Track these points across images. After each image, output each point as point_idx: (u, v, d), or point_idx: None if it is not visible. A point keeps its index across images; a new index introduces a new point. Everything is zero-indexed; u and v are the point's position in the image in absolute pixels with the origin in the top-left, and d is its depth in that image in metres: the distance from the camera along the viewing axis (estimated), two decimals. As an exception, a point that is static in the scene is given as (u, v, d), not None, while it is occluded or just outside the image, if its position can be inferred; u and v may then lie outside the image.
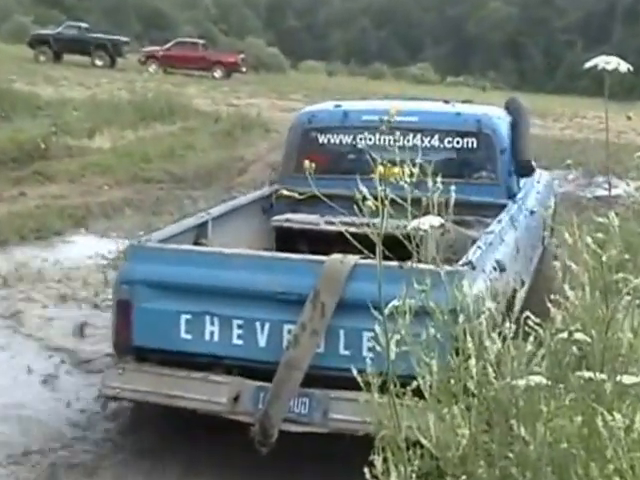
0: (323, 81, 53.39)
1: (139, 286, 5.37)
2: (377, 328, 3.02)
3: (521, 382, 2.52)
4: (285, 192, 4.15)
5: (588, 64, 2.48)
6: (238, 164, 18.40)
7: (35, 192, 14.04)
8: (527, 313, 2.84)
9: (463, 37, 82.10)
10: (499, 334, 2.78)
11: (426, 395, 2.75)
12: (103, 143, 19.04)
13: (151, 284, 5.37)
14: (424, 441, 2.54)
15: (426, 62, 72.54)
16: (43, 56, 44.08)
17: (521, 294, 3.44)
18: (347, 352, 4.94)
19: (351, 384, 4.64)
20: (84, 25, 48.70)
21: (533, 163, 7.68)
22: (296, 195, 3.62)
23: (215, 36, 66.32)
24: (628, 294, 2.62)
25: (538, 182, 8.25)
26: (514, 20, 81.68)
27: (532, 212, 7.32)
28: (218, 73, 46.46)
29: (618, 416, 2.18)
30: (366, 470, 2.67)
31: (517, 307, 3.11)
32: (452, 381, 2.73)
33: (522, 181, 7.63)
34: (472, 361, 2.63)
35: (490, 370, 2.66)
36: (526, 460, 2.40)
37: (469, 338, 2.72)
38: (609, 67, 2.38)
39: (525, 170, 7.54)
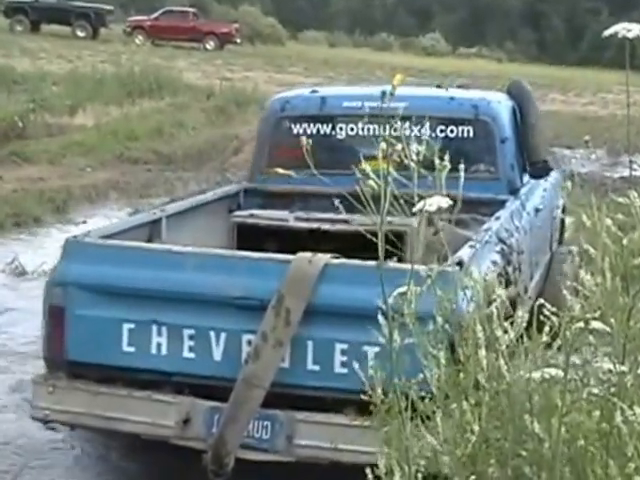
0: (325, 53, 53.45)
1: (74, 289, 4.98)
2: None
3: (536, 375, 2.53)
4: (280, 170, 3.95)
5: (607, 32, 2.48)
6: (232, 143, 18.39)
7: (11, 175, 14.10)
8: (541, 300, 2.85)
9: (477, 4, 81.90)
10: (511, 324, 2.78)
11: (434, 390, 2.74)
12: (86, 121, 19.17)
13: (88, 287, 4.98)
14: (430, 439, 2.53)
15: (436, 32, 72.40)
16: (19, 26, 44.07)
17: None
18: (316, 367, 4.68)
19: (320, 405, 4.63)
20: (64, -8, 48.73)
21: (548, 162, 7.36)
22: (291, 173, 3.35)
23: (207, 4, 65.98)
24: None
25: (545, 180, 7.81)
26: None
27: (537, 210, 7.04)
28: (210, 45, 46.44)
29: (639, 410, 2.21)
30: (368, 470, 2.66)
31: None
32: (461, 374, 2.74)
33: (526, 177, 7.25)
34: (482, 352, 2.63)
35: (502, 362, 2.66)
36: (540, 459, 2.41)
37: (479, 327, 2.73)
38: (630, 35, 2.38)
39: (541, 171, 7.27)
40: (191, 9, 51.09)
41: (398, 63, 40.38)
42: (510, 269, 5.35)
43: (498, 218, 5.76)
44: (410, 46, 67.93)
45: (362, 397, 4.44)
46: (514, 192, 6.74)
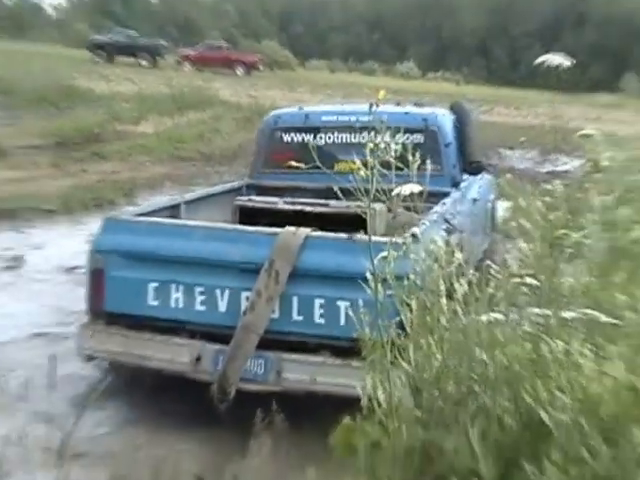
0: (325, 77, 53.11)
1: (111, 255, 4.93)
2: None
3: (483, 318, 2.53)
4: (293, 163, 3.83)
5: (538, 60, 2.47)
6: (256, 145, 18.32)
7: (93, 169, 14.14)
8: (488, 262, 2.85)
9: (441, 40, 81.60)
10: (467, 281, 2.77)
11: (408, 329, 2.73)
12: (147, 129, 19.11)
13: (122, 254, 4.92)
14: (405, 365, 2.53)
15: (410, 61, 72.05)
16: (99, 58, 43.76)
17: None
18: (300, 317, 4.58)
19: (303, 347, 4.57)
20: (132, 32, 48.34)
21: (481, 163, 7.23)
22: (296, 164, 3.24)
23: (237, 39, 65.72)
24: (569, 247, 2.63)
25: (480, 178, 7.69)
26: (483, 26, 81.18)
27: (475, 200, 6.96)
28: (239, 70, 46.10)
29: (560, 343, 2.21)
30: (359, 389, 2.62)
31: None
32: (428, 318, 2.73)
33: (466, 176, 7.10)
34: (444, 300, 2.63)
35: (459, 308, 2.66)
36: (486, 380, 2.41)
37: (441, 282, 2.72)
38: (554, 63, 2.39)
39: (475, 169, 7.15)
40: (224, 43, 50.72)
41: (380, 84, 39.97)
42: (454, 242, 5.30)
43: (444, 204, 5.68)
44: (390, 71, 67.40)
45: (334, 342, 4.47)
46: (456, 185, 6.66)
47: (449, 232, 5.07)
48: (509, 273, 2.72)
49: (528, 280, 2.44)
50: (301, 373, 4.50)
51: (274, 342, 4.58)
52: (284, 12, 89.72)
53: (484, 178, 7.89)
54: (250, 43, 64.83)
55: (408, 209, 5.11)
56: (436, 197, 5.87)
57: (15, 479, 3.89)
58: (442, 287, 2.73)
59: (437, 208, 5.47)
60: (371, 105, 2.65)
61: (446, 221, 5.24)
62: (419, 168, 6.42)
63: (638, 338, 2.17)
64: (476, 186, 7.38)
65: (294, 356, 4.57)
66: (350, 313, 2.79)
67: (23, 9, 78.31)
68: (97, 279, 4.96)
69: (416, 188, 2.69)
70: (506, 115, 29.69)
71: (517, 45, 75.93)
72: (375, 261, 2.62)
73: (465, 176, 7.04)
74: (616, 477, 2.03)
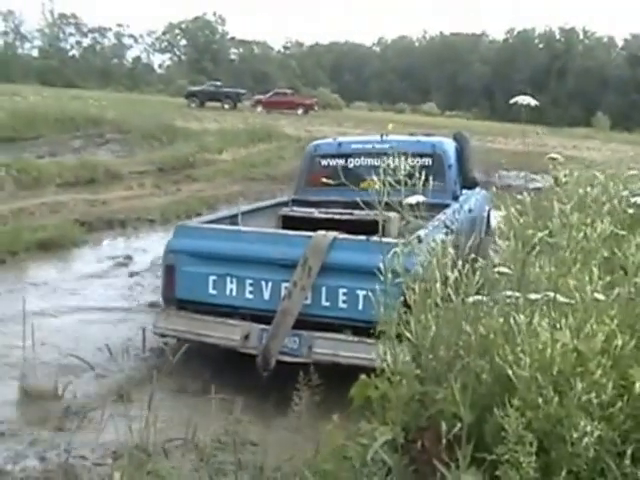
0: (366, 114, 52.85)
1: (181, 254, 4.93)
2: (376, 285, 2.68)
3: (470, 299, 2.54)
4: (324, 180, 3.69)
5: (512, 100, 2.47)
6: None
7: (186, 188, 14.27)
8: (473, 256, 2.84)
9: (456, 86, 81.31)
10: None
11: (412, 307, 2.72)
12: (227, 157, 19.24)
13: (189, 253, 4.90)
14: (408, 335, 2.53)
15: (432, 102, 71.70)
16: (193, 104, 44.11)
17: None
18: (327, 303, 4.55)
19: (329, 327, 4.54)
20: (218, 83, 48.77)
21: (476, 179, 7.14)
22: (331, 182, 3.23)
23: (298, 87, 65.89)
24: (536, 244, 2.62)
25: (478, 194, 7.57)
26: (488, 75, 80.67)
27: (470, 210, 6.78)
28: (300, 111, 46.16)
29: (522, 317, 2.21)
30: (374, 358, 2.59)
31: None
32: (428, 299, 2.72)
33: (464, 191, 6.98)
34: (438, 285, 2.63)
35: (450, 291, 2.66)
36: (470, 346, 2.42)
37: (437, 272, 2.71)
38: (525, 102, 2.38)
39: (471, 184, 7.05)
40: (289, 90, 50.83)
41: (408, 120, 39.78)
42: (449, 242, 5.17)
43: (444, 214, 5.62)
44: (416, 110, 67.09)
45: (354, 323, 4.34)
46: (455, 199, 6.57)
47: (447, 234, 5.03)
48: (492, 264, 2.71)
49: (503, 270, 2.43)
50: (328, 348, 4.47)
51: (307, 323, 4.56)
52: (335, 65, 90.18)
53: (481, 193, 7.76)
54: (308, 90, 65.07)
55: (417, 217, 5.07)
56: (440, 208, 5.86)
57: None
58: (437, 275, 2.74)
59: (439, 216, 5.44)
60: (381, 135, 2.69)
61: (446, 226, 5.20)
62: (426, 185, 6.31)
63: (582, 313, 2.17)
64: (473, 199, 7.26)
65: (322, 334, 4.54)
66: (368, 299, 2.76)
67: (138, 68, 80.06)
68: (170, 273, 4.97)
69: (420, 198, 2.72)
70: (504, 144, 29.32)
71: (514, 89, 75.19)
72: (387, 257, 2.65)
73: (464, 190, 6.95)
74: (561, 417, 2.04)
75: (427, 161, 6.42)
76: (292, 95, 49.34)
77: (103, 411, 3.28)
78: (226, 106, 44.80)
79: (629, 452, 2.13)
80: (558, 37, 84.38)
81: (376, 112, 61.92)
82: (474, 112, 68.80)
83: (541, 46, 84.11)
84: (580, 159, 14.57)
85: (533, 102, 2.52)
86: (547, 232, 2.65)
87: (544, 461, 2.19)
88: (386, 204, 2.64)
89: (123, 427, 3.03)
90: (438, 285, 2.67)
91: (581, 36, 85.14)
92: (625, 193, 3.68)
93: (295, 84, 68.34)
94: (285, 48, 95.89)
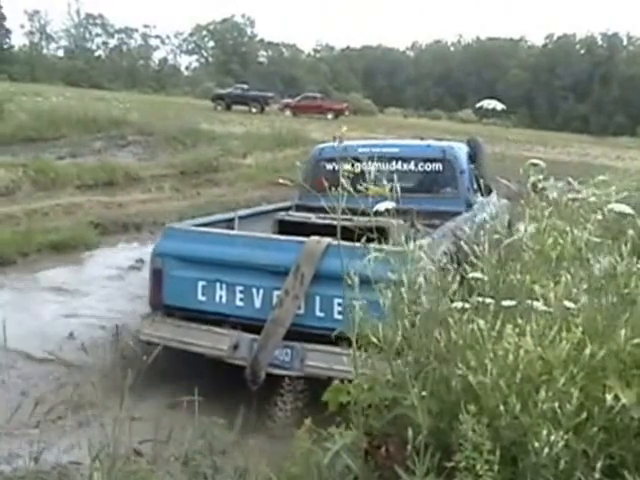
0: (399, 120, 52.85)
1: (168, 258, 4.80)
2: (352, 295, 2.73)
3: (454, 305, 2.55)
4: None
5: (478, 105, 2.50)
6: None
7: (206, 192, 14.35)
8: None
9: (494, 92, 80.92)
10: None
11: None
12: (251, 161, 19.28)
13: (177, 257, 4.77)
14: (375, 340, 2.53)
15: (468, 109, 71.43)
16: (219, 106, 44.45)
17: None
18: (321, 314, 4.38)
19: (323, 339, 4.18)
20: (245, 86, 48.95)
21: (490, 186, 6.94)
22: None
23: (329, 92, 66.26)
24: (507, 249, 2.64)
25: (496, 203, 7.25)
26: (528, 81, 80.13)
27: (484, 219, 6.28)
28: (330, 116, 46.29)
29: (482, 322, 2.23)
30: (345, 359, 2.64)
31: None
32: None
33: (480, 198, 6.68)
34: (423, 298, 2.62)
35: (423, 298, 2.66)
36: (439, 351, 2.45)
37: (433, 278, 2.70)
38: (490, 106, 2.41)
39: (485, 190, 6.72)
40: (318, 94, 51.04)
41: (443, 127, 39.72)
42: (460, 252, 5.09)
43: (454, 221, 5.46)
44: (452, 117, 66.94)
45: (350, 335, 4.35)
46: (469, 207, 6.35)
47: (456, 243, 4.98)
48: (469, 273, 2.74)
49: (475, 275, 2.46)
50: (321, 361, 4.32)
51: (299, 334, 4.42)
52: (367, 70, 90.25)
53: (501, 202, 7.53)
54: (340, 95, 65.26)
55: (424, 225, 5.02)
56: (452, 215, 5.76)
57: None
58: (423, 282, 2.74)
59: (448, 224, 5.32)
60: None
61: (454, 234, 5.15)
62: (439, 192, 6.12)
63: (546, 319, 2.19)
64: (490, 208, 7.01)
65: (316, 347, 4.39)
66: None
67: (165, 70, 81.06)
68: (157, 277, 4.85)
69: (390, 205, 2.71)
70: (543, 152, 29.06)
71: (555, 96, 74.63)
72: (373, 265, 2.67)
73: (479, 198, 6.73)
74: (526, 426, 2.06)
75: (437, 166, 6.36)
76: (322, 99, 49.48)
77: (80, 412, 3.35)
78: (253, 110, 45.06)
79: (599, 465, 2.14)
80: (600, 43, 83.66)
81: (410, 119, 61.86)
82: (512, 120, 68.33)
83: (582, 52, 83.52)
84: (622, 170, 14.31)
85: (500, 106, 2.55)
86: (516, 237, 2.68)
87: (512, 471, 2.21)
88: (388, 212, 2.65)
89: (99, 428, 3.10)
90: (404, 290, 2.64)
91: (625, 42, 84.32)
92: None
93: (326, 88, 68.77)
94: (315, 51, 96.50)
